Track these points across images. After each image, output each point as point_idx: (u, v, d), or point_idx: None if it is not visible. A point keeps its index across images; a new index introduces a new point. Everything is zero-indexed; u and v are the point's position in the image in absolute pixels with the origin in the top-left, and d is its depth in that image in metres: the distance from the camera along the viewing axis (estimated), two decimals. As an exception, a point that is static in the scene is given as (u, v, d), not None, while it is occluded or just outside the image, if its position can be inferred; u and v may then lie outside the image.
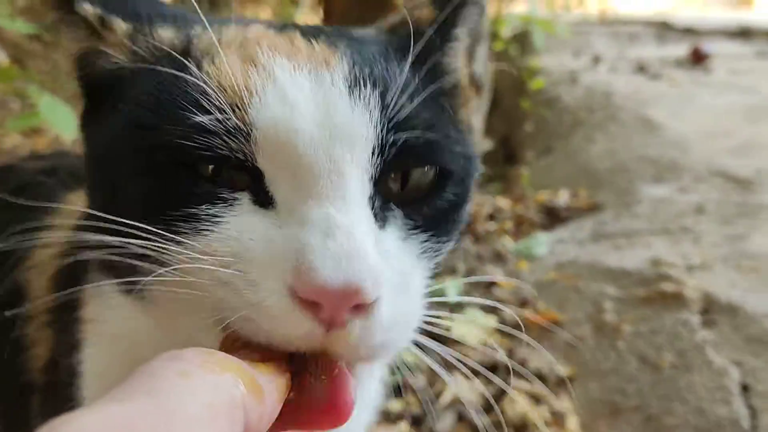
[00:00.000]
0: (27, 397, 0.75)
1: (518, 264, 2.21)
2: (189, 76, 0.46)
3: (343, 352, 0.43)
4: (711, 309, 1.71)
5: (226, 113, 0.44)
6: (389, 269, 0.44)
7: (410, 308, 0.48)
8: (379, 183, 0.46)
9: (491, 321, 1.94)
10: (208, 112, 0.44)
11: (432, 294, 2.05)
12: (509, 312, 1.97)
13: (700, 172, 2.41)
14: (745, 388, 1.52)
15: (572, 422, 1.59)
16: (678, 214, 2.16)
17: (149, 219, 0.47)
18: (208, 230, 0.46)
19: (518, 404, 1.64)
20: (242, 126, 0.44)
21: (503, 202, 2.63)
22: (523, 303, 2.00)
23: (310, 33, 0.53)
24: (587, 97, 3.32)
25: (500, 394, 1.70)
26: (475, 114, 2.44)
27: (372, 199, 0.46)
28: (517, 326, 1.94)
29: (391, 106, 0.46)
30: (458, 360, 1.97)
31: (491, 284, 2.13)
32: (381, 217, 0.46)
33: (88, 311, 0.65)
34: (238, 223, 0.45)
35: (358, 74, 0.47)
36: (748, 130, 2.75)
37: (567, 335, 1.82)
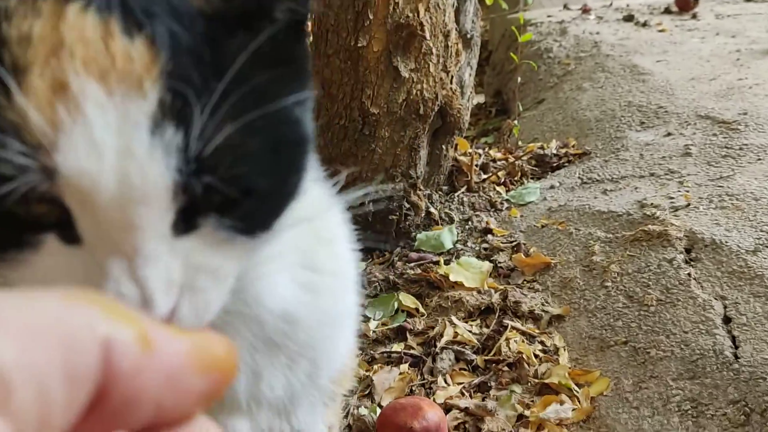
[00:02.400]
0: None
1: (511, 212, 2.28)
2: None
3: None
4: (695, 247, 1.79)
5: (31, 157, 0.40)
6: (184, 271, 0.46)
7: (218, 288, 0.49)
8: (185, 209, 0.45)
9: (486, 266, 2.02)
10: (12, 152, 0.39)
11: (429, 242, 2.10)
12: (504, 257, 2.04)
13: (686, 116, 2.46)
14: (727, 320, 1.60)
15: (564, 357, 1.68)
16: (664, 158, 2.22)
17: None
18: (18, 267, 0.45)
19: (513, 343, 1.73)
20: (47, 170, 0.40)
21: (495, 154, 2.68)
22: (516, 248, 2.08)
23: (131, 21, 0.42)
24: (576, 48, 3.34)
25: (496, 335, 1.79)
26: (465, 68, 2.48)
27: (177, 219, 0.44)
28: (511, 270, 2.02)
29: (193, 148, 0.42)
30: (457, 302, 2.03)
31: (486, 232, 2.20)
32: (184, 228, 0.46)
33: None
34: (45, 263, 0.45)
35: (166, 101, 0.41)
36: (734, 74, 2.79)
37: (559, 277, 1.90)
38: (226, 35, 0.46)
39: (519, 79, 2.88)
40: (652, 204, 1.94)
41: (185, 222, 0.45)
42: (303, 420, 0.80)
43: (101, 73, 0.40)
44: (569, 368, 1.64)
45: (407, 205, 2.28)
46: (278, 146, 0.49)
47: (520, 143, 2.86)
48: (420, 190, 2.28)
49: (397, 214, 2.26)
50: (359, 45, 2.13)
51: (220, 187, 0.44)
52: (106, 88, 0.40)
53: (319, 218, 0.73)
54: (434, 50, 2.19)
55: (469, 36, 2.47)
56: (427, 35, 2.15)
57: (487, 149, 2.77)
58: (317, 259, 0.72)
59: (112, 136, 0.40)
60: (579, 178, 2.32)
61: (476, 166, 2.38)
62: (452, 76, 2.28)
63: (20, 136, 0.39)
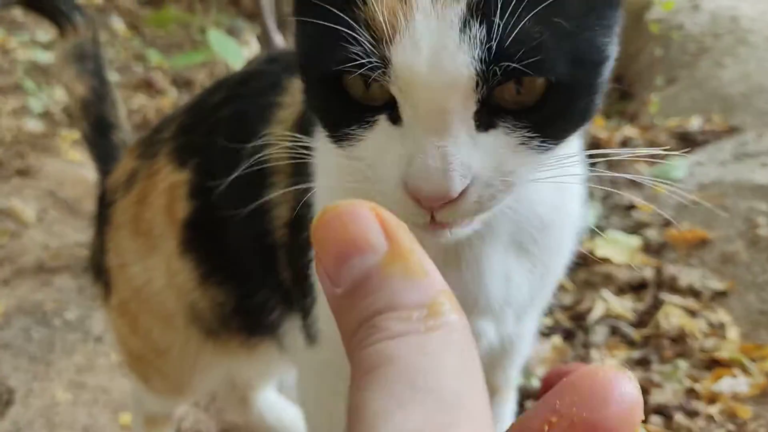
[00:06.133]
0: (274, 254, 0.85)
1: (655, 188, 2.17)
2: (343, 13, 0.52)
3: (448, 222, 0.57)
4: None
5: (373, 50, 0.51)
6: (481, 162, 0.53)
7: (498, 191, 0.55)
8: (486, 99, 0.52)
9: (634, 241, 1.93)
10: (359, 44, 0.52)
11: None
12: (653, 232, 1.94)
13: None
14: None
15: (733, 332, 1.57)
16: (830, 129, 2.06)
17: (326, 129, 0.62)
18: (357, 143, 0.58)
19: (673, 317, 1.63)
20: (384, 59, 0.51)
21: (632, 132, 2.57)
22: (666, 224, 1.97)
23: None
24: (712, 23, 3.16)
25: (652, 310, 1.70)
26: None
27: (478, 113, 0.52)
28: (662, 246, 1.92)
29: (495, 38, 0.49)
30: (606, 277, 1.95)
31: (630, 208, 2.10)
32: (486, 123, 0.53)
33: (314, 161, 0.75)
34: (376, 138, 0.57)
35: (473, 3, 0.50)
36: None
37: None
38: None
39: (647, 59, 2.75)
40: (823, 174, 1.80)
41: (487, 119, 0.53)
42: (528, 328, 0.85)
43: None
44: (740, 343, 1.53)
45: (544, 181, 2.21)
46: (578, 54, 0.53)
47: (654, 121, 2.73)
48: (558, 165, 2.21)
49: (534, 189, 2.20)
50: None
51: (516, 71, 0.50)
52: None
53: None
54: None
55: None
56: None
57: (621, 127, 2.66)
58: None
59: (430, 36, 0.50)
60: (730, 153, 2.18)
61: (617, 143, 2.29)
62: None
63: (371, 30, 0.52)
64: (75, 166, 2.78)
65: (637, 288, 1.79)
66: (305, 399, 0.99)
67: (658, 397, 1.41)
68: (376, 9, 0.51)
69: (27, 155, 2.81)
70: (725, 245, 1.80)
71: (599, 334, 1.66)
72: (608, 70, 0.58)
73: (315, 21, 0.54)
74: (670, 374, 1.48)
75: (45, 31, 3.75)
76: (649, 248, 1.91)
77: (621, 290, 1.80)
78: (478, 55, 0.49)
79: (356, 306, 0.31)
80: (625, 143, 2.40)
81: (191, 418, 1.61)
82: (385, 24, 0.51)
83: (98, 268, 1.22)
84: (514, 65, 0.49)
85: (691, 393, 1.43)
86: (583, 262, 1.91)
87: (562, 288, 1.85)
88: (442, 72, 0.50)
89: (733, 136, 2.31)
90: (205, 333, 1.12)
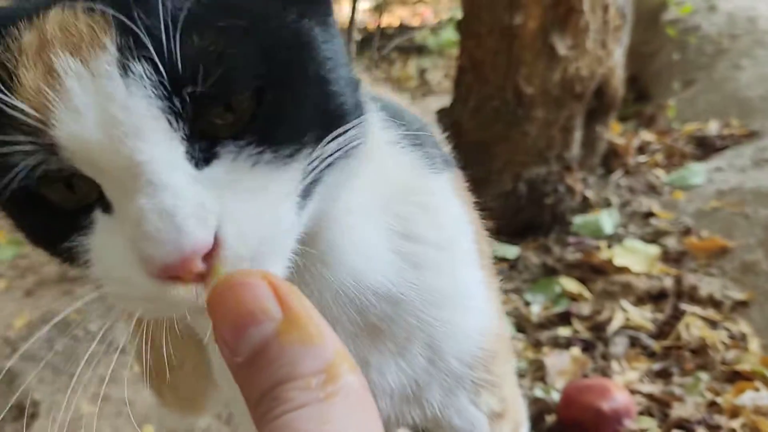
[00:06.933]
0: None
1: (674, 194, 2.16)
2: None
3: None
4: None
5: (33, 143, 0.44)
6: (220, 199, 0.45)
7: (263, 212, 0.47)
8: (193, 134, 0.45)
9: (653, 250, 1.92)
10: (18, 144, 0.44)
11: (588, 227, 2.02)
12: (672, 241, 1.92)
13: None
14: None
15: (754, 344, 1.56)
16: None
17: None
18: (90, 257, 0.49)
19: (693, 328, 1.63)
20: (50, 146, 0.44)
21: (649, 136, 2.55)
22: (685, 232, 1.96)
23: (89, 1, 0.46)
24: (729, 24, 3.13)
25: (672, 320, 1.69)
26: (618, 47, 2.37)
27: (189, 152, 0.45)
28: (681, 254, 1.91)
29: (165, 70, 0.43)
30: (624, 287, 1.93)
31: (648, 215, 2.09)
32: (204, 158, 0.46)
33: None
34: (98, 242, 0.48)
35: (125, 45, 0.44)
36: None
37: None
38: None
39: (674, 54, 2.73)
40: None
41: (203, 153, 0.46)
42: (439, 403, 0.72)
43: (75, 49, 0.44)
44: (761, 355, 1.52)
45: (562, 189, 2.20)
46: (270, 44, 0.47)
47: (672, 125, 2.71)
48: (575, 172, 2.20)
49: (552, 197, 2.19)
50: (514, 23, 2.08)
51: (206, 93, 0.44)
52: (80, 58, 0.44)
53: (415, 183, 0.67)
54: (591, 26, 2.11)
55: (622, 12, 2.36)
56: (586, 11, 2.07)
57: (638, 132, 2.64)
58: (417, 227, 0.65)
59: (89, 95, 0.44)
60: (750, 158, 2.16)
61: (635, 148, 2.28)
62: (610, 53, 2.19)
63: (21, 129, 0.44)
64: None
65: (656, 298, 1.78)
66: None
67: (679, 411, 1.41)
68: (21, 99, 0.44)
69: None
70: (745, 254, 1.79)
71: (619, 345, 1.66)
72: (327, 57, 0.51)
73: None
74: (691, 387, 1.47)
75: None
76: (668, 257, 1.90)
77: (640, 300, 1.79)
78: (153, 93, 0.43)
79: (257, 376, 0.32)
80: (642, 149, 2.39)
81: (213, 430, 1.62)
82: (34, 109, 0.44)
83: None
84: (199, 89, 0.44)
85: (713, 406, 1.42)
86: (600, 271, 1.91)
87: (580, 298, 1.85)
88: (117, 126, 0.43)
89: (753, 141, 2.29)
90: None
